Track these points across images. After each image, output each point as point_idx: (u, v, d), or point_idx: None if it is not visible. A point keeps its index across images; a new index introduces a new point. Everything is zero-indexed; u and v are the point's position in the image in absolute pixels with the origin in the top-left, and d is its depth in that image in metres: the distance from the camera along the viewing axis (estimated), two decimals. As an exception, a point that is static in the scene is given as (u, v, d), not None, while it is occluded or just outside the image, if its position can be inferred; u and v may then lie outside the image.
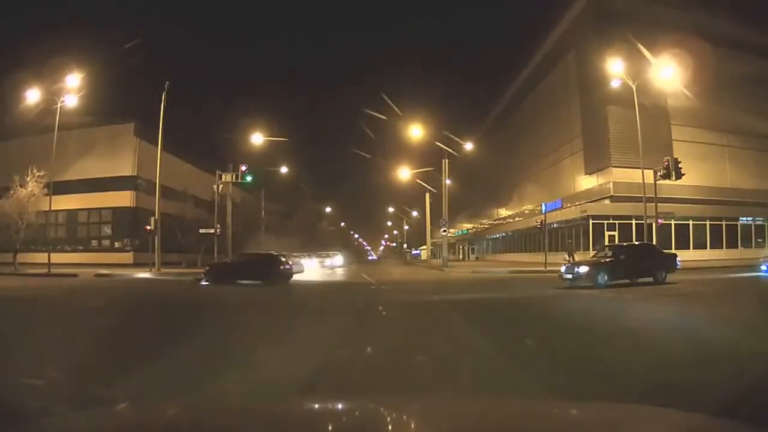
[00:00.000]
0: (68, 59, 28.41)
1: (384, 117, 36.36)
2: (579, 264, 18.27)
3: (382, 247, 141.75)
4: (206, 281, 21.90)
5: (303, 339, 8.29)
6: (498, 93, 62.51)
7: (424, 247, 66.30)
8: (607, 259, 18.28)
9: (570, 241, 34.53)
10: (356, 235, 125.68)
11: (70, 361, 6.62)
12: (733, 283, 19.22)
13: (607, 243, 31.30)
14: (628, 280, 17.66)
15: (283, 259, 23.43)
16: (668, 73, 29.73)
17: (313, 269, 38.56)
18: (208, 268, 23.45)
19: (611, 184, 38.23)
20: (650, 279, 17.89)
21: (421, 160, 43.92)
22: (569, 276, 17.67)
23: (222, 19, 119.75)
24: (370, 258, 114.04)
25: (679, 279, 18.87)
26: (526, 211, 51.79)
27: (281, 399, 4.29)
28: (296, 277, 26.23)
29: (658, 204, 28.47)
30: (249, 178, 33.63)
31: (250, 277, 21.64)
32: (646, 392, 4.53)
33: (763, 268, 22.44)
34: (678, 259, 19.89)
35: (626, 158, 35.76)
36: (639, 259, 18.38)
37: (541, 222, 32.73)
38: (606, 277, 17.07)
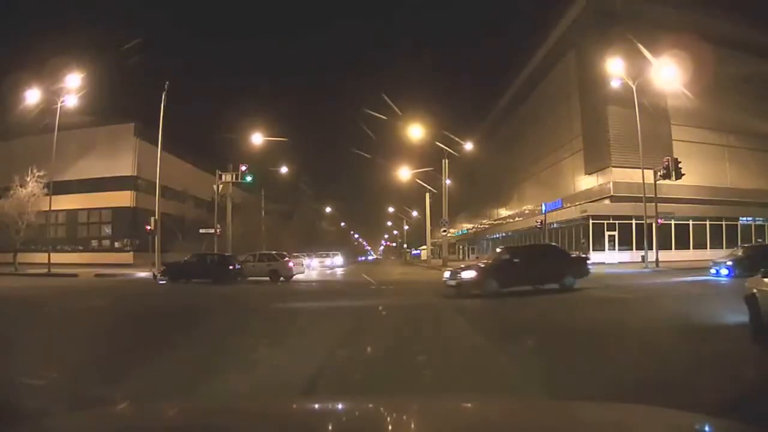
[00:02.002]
0: (68, 59, 28.43)
1: (384, 117, 36.38)
2: (464, 269, 15.89)
3: (382, 247, 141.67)
4: (163, 280, 23.23)
5: (308, 338, 8.34)
6: (498, 93, 62.41)
7: (424, 247, 66.28)
8: (500, 264, 15.98)
9: (584, 241, 33.93)
10: (356, 235, 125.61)
11: (67, 359, 6.64)
12: (663, 289, 16.89)
13: (611, 241, 31.17)
14: (529, 287, 15.32)
15: (233, 260, 24.72)
16: (668, 73, 29.73)
17: (313, 269, 38.62)
18: (165, 267, 24.74)
19: (611, 184, 38.20)
20: (556, 285, 15.46)
21: (421, 160, 43.97)
22: (453, 283, 15.22)
23: (222, 19, 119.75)
24: (369, 258, 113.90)
25: (611, 285, 17.39)
26: (526, 211, 51.75)
27: (281, 398, 4.29)
28: (296, 277, 26.42)
29: (658, 204, 28.46)
30: (249, 178, 33.68)
31: (203, 276, 22.45)
32: None
33: (713, 271, 20.68)
34: (589, 262, 17.50)
35: (626, 158, 35.73)
36: (541, 263, 15.98)
37: (541, 222, 32.73)
38: (496, 284, 14.75)
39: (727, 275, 19.71)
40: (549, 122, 47.61)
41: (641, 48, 31.34)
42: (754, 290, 7.74)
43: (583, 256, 18.97)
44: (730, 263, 20.29)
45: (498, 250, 20.24)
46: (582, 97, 41.76)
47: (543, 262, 16.07)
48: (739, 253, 21.54)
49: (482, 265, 16.43)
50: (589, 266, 17.06)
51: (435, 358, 6.69)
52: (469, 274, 15.11)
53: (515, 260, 15.98)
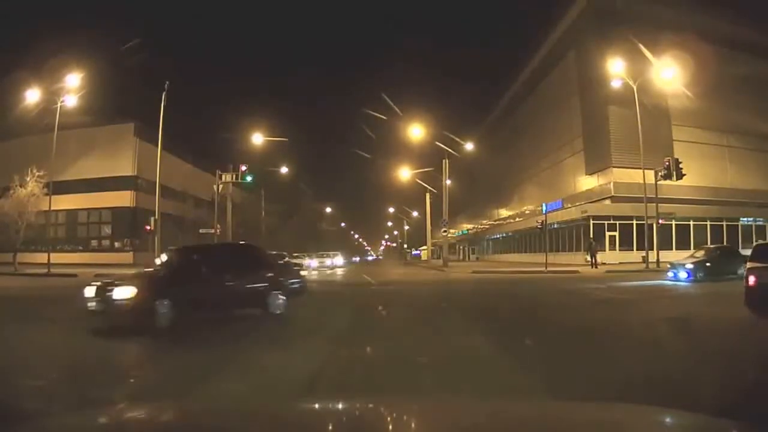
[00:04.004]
0: (68, 59, 28.40)
1: (384, 117, 36.43)
2: (120, 282, 9.57)
3: (382, 248, 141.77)
4: None
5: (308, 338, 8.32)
6: (498, 93, 62.44)
7: (425, 247, 66.32)
8: (177, 274, 10.12)
9: (592, 240, 33.40)
10: (356, 236, 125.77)
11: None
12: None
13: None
14: (220, 315, 9.83)
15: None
16: (669, 73, 29.73)
17: (313, 269, 38.63)
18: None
19: (612, 184, 38.19)
20: (258, 310, 10.30)
21: (421, 160, 44.00)
22: (98, 307, 9.30)
23: (221, 19, 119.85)
24: (368, 258, 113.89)
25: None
26: (527, 212, 51.73)
27: (281, 398, 4.29)
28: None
29: (659, 204, 28.44)
30: (249, 178, 33.71)
31: None
32: None
33: (670, 274, 19.35)
34: (302, 272, 12.30)
35: (627, 158, 35.71)
36: (239, 273, 10.40)
37: (542, 222, 32.67)
38: (170, 309, 9.04)
39: (686, 278, 18.44)
40: (549, 122, 47.60)
41: (642, 48, 31.32)
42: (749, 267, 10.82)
43: (292, 264, 13.10)
44: (690, 266, 18.98)
45: (170, 249, 12.86)
46: (582, 98, 41.76)
47: (242, 273, 10.47)
48: (699, 255, 20.26)
49: (151, 277, 10.72)
50: (303, 280, 12.45)
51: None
52: (125, 292, 9.09)
53: (203, 269, 10.11)
